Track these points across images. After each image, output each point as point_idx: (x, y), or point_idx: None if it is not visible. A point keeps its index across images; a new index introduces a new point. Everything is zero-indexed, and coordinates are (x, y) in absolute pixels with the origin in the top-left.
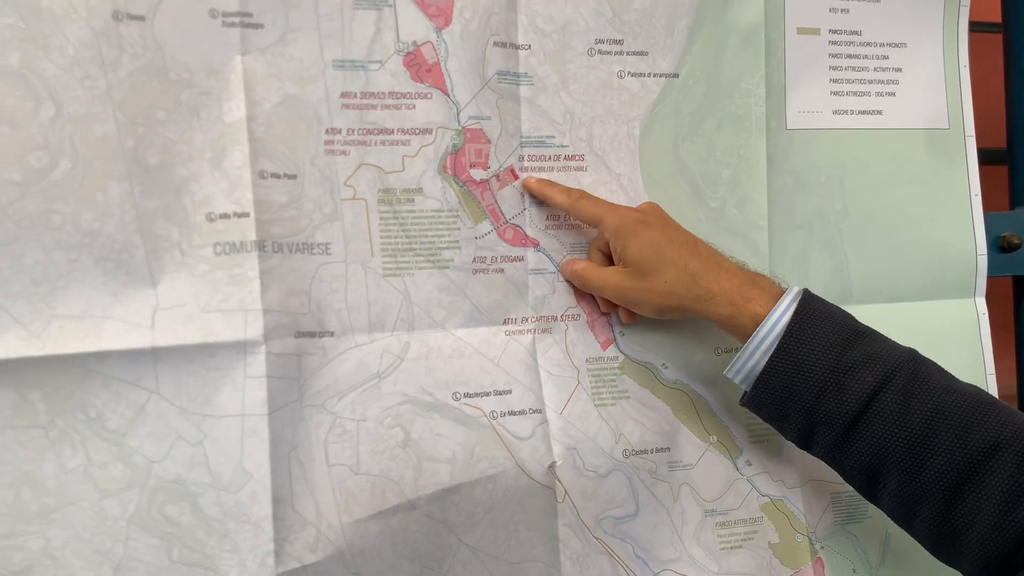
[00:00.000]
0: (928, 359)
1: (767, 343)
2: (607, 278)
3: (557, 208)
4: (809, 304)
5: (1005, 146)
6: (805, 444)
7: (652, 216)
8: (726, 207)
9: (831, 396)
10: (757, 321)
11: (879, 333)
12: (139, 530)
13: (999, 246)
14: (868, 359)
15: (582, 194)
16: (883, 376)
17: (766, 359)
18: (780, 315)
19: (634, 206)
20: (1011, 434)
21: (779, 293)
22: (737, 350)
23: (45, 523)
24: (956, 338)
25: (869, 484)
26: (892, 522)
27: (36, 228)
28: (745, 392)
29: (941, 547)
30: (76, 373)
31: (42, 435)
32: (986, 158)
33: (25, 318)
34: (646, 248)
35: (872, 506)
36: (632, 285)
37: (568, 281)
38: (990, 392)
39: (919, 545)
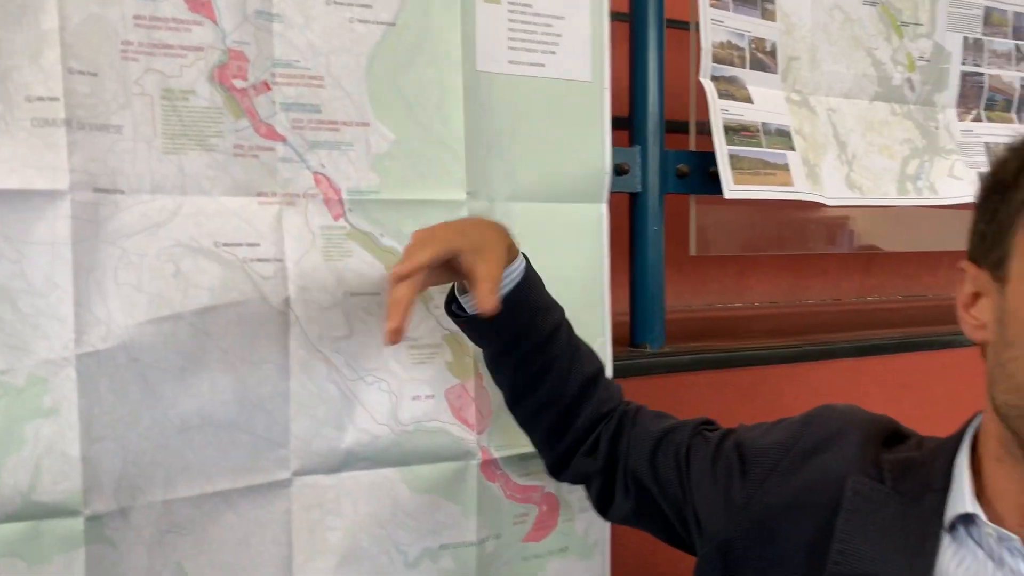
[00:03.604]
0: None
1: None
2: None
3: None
4: (528, 269)
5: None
6: (507, 352)
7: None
8: (434, 124)
9: (539, 321)
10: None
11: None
12: None
13: (617, 171)
14: (554, 306)
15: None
16: (560, 318)
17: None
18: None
19: (364, 119)
20: (599, 370)
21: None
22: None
23: None
24: (588, 229)
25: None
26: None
27: None
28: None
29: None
30: None
31: None
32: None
33: None
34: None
35: None
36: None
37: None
38: (604, 278)
39: None
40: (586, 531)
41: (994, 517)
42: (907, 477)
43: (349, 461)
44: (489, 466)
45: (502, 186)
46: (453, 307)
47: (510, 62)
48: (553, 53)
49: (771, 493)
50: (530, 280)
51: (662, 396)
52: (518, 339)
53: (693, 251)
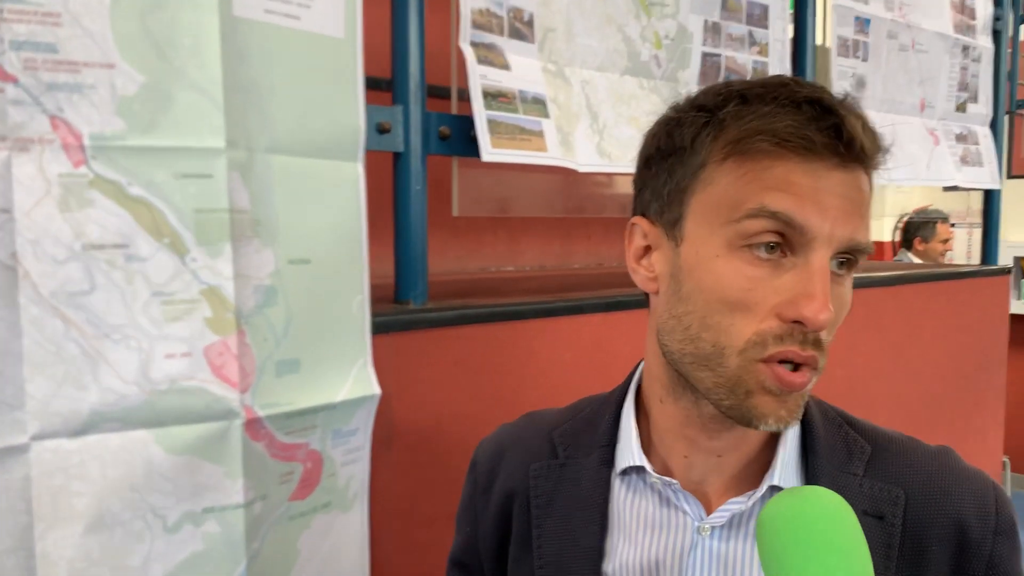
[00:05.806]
0: None
1: None
2: None
3: None
4: None
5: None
6: None
7: None
8: (189, 68)
9: None
10: None
11: None
12: None
13: (378, 130)
14: None
15: None
16: None
17: None
18: None
19: (108, 60)
20: None
21: None
22: None
23: None
24: (344, 186)
25: None
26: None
27: None
28: None
29: None
30: None
31: None
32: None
33: None
34: None
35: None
36: None
37: None
38: (362, 236)
39: (314, 322)
40: (347, 484)
41: (659, 466)
42: (577, 442)
43: (95, 422)
44: (253, 425)
45: (260, 137)
46: None
47: (266, 11)
48: (308, 7)
49: (489, 536)
50: None
51: (425, 350)
52: None
53: (456, 212)
